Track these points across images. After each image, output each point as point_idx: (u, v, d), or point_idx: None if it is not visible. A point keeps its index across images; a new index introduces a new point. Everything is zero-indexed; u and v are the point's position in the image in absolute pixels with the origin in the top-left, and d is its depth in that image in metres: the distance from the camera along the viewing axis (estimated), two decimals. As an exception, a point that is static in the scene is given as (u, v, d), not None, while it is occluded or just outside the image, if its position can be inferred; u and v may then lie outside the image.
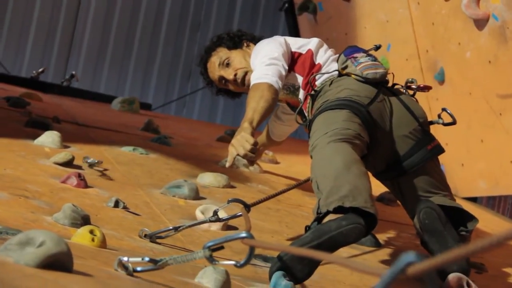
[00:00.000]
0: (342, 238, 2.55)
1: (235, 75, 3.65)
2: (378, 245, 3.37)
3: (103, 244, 2.35)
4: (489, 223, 4.46)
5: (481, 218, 4.51)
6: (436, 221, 2.92)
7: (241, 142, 2.98)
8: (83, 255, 1.98)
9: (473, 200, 5.58)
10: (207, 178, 3.81)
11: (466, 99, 5.00)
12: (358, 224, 2.56)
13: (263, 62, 3.34)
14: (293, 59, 3.47)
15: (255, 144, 2.98)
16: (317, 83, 3.33)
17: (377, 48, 3.38)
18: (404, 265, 1.11)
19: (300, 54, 3.47)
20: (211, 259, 1.86)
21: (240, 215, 2.87)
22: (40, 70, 6.89)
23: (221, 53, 3.73)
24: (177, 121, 6.90)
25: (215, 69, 3.74)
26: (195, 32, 8.93)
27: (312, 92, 3.31)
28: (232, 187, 3.83)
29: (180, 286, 1.89)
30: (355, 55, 3.28)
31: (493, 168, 4.85)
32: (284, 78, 3.35)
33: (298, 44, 3.52)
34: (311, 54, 3.45)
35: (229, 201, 2.86)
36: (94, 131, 4.67)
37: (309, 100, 3.33)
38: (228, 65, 3.69)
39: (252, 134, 3.02)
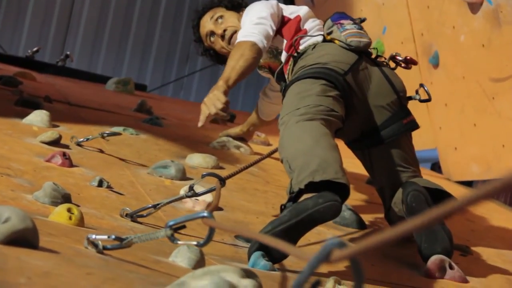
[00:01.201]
0: (319, 215, 2.55)
1: (224, 30, 3.68)
2: (363, 227, 3.37)
3: (80, 222, 2.35)
4: (481, 207, 4.45)
5: (474, 202, 4.51)
6: (423, 204, 2.91)
7: (213, 100, 3.04)
8: (55, 233, 1.97)
9: (469, 184, 5.58)
10: (195, 159, 3.80)
11: (459, 83, 4.98)
12: (335, 201, 2.56)
13: (252, 20, 3.39)
14: (282, 22, 3.50)
15: (226, 103, 3.04)
16: (301, 47, 3.33)
17: (361, 21, 3.39)
18: (328, 250, 1.12)
19: (289, 19, 3.49)
20: (172, 238, 1.86)
21: (214, 189, 2.86)
22: (35, 49, 6.88)
23: (217, 10, 3.78)
24: (172, 102, 6.89)
25: (206, 22, 3.78)
26: (193, 14, 8.91)
27: (295, 54, 3.31)
28: (221, 168, 3.82)
29: (151, 265, 1.89)
30: (341, 21, 3.28)
31: (486, 152, 4.84)
32: (271, 39, 3.39)
33: (289, 10, 3.55)
34: (298, 20, 3.46)
35: (203, 176, 2.85)
36: (86, 111, 4.66)
37: (290, 61, 3.34)
38: (220, 21, 3.71)
39: (226, 93, 3.09)
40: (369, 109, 3.15)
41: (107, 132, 3.62)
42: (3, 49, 7.76)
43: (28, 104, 4.18)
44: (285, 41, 3.46)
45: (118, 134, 3.65)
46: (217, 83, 3.15)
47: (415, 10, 5.47)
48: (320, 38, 3.32)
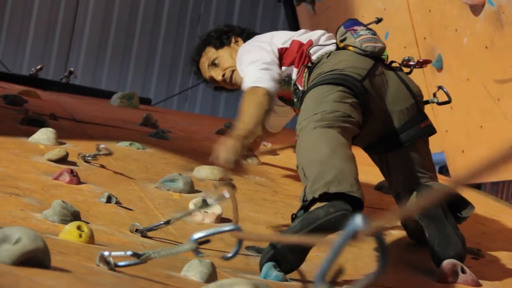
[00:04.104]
0: (330, 225, 2.54)
1: (223, 75, 3.69)
2: (374, 234, 3.35)
3: (91, 240, 2.34)
4: (491, 209, 4.44)
5: (484, 204, 4.51)
6: (437, 207, 2.91)
7: (227, 153, 2.91)
8: (66, 251, 1.97)
9: (477, 186, 5.56)
10: (203, 171, 3.80)
11: (464, 86, 4.97)
12: (346, 211, 2.55)
13: (258, 66, 3.28)
14: (280, 55, 3.44)
15: (240, 158, 2.94)
16: (314, 56, 3.31)
17: (379, 21, 3.38)
18: (353, 230, 1.11)
19: (286, 48, 3.45)
20: (197, 252, 1.85)
21: (225, 197, 2.83)
22: (38, 67, 6.89)
23: (209, 54, 3.76)
24: (177, 115, 6.88)
25: (205, 70, 3.79)
26: (195, 25, 8.93)
27: (309, 64, 3.28)
28: (229, 179, 3.81)
29: (163, 280, 1.89)
30: (355, 27, 3.27)
31: (493, 154, 4.83)
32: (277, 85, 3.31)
33: (283, 39, 3.48)
34: (297, 44, 3.42)
35: (215, 186, 2.84)
36: (91, 127, 4.66)
37: (305, 72, 3.31)
38: (216, 65, 3.71)
39: (244, 148, 2.96)
40: (387, 114, 3.13)
41: (103, 146, 3.60)
42: (6, 68, 7.77)
43: (33, 123, 4.18)
44: (294, 69, 3.40)
45: (110, 154, 3.62)
46: (237, 131, 2.99)
47: (417, 14, 5.46)
48: (333, 47, 3.30)
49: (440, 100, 3.28)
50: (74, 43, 8.72)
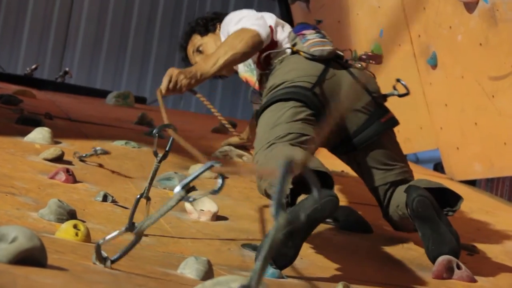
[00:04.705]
0: (318, 213, 2.57)
1: None
2: (369, 230, 3.37)
3: (87, 238, 2.35)
4: (485, 205, 4.46)
5: (479, 201, 4.53)
6: (430, 208, 2.92)
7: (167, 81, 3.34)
8: (63, 250, 1.98)
9: (472, 183, 5.58)
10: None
11: (459, 83, 4.99)
12: (331, 197, 2.58)
13: (249, 19, 3.35)
14: None
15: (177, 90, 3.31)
16: (272, 61, 3.32)
17: (318, 22, 3.40)
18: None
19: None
20: (187, 198, 1.88)
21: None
22: (33, 67, 6.89)
23: (195, 41, 3.82)
24: (173, 113, 6.88)
25: (191, 57, 3.83)
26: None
27: (267, 71, 3.31)
28: (225, 177, 3.81)
29: (160, 277, 1.89)
30: (303, 32, 3.29)
31: (488, 151, 4.85)
32: (270, 37, 3.35)
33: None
34: (271, 30, 3.43)
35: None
36: (87, 126, 4.67)
37: (263, 79, 3.34)
38: (201, 51, 3.75)
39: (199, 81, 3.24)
40: (345, 116, 3.15)
41: (99, 148, 3.62)
42: (1, 68, 7.77)
43: (29, 122, 4.18)
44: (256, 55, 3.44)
45: (108, 153, 3.65)
46: (202, 65, 3.23)
47: (411, 12, 5.48)
48: (288, 51, 3.31)
49: (400, 93, 3.28)
50: (69, 42, 8.71)
